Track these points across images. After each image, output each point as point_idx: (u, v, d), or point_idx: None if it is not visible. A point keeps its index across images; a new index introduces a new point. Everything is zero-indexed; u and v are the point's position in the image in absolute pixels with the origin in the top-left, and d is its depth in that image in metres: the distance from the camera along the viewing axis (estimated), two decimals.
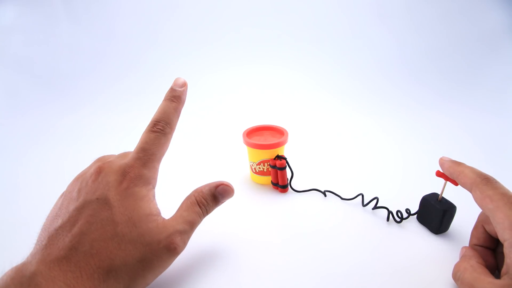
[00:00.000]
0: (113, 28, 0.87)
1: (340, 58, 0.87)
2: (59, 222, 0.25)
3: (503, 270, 0.25)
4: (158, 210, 0.28)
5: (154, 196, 0.29)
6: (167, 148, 0.31)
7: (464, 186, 0.29)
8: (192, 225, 0.29)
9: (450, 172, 0.31)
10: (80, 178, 0.29)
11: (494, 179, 0.27)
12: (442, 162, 0.32)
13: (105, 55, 0.86)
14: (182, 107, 0.33)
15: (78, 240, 0.24)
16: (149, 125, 0.31)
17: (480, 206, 0.27)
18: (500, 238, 0.25)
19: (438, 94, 0.76)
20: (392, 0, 0.86)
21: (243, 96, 0.79)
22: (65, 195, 0.28)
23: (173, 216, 0.29)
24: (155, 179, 0.30)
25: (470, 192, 0.28)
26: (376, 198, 0.39)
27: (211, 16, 0.89)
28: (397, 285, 0.29)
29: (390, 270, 0.31)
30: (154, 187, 0.29)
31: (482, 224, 0.30)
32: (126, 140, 0.61)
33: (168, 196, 0.36)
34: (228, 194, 0.31)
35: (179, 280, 0.30)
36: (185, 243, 0.28)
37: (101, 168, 0.28)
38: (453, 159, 0.32)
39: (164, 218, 0.28)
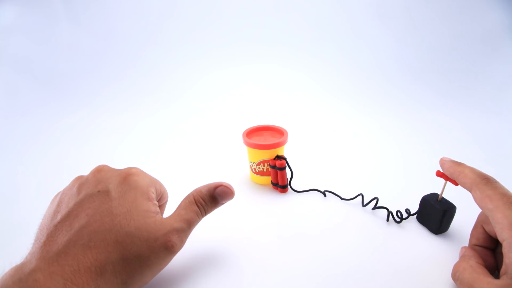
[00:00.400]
0: (113, 28, 0.87)
1: (340, 58, 0.87)
2: (58, 218, 0.25)
3: (502, 270, 0.25)
4: (158, 210, 0.28)
5: (154, 198, 0.29)
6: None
7: (464, 186, 0.29)
8: (190, 224, 0.28)
9: (450, 172, 0.31)
10: (79, 178, 0.29)
11: (494, 179, 0.28)
12: (442, 162, 0.32)
13: (104, 55, 0.86)
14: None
15: (77, 233, 0.24)
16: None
17: (480, 206, 0.27)
18: (499, 238, 0.25)
19: (438, 94, 0.76)
20: (392, 0, 0.86)
21: (243, 96, 0.79)
22: (63, 193, 0.28)
23: (171, 214, 0.29)
24: (156, 190, 0.30)
25: (470, 192, 0.28)
26: (376, 198, 0.39)
27: (211, 16, 0.89)
28: (397, 285, 0.29)
29: (390, 270, 0.31)
30: (154, 193, 0.30)
31: (482, 224, 0.30)
32: (125, 140, 0.61)
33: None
34: (227, 196, 0.31)
35: (178, 280, 0.30)
36: (182, 242, 0.28)
37: (101, 167, 0.29)
38: (454, 159, 0.32)
39: (162, 217, 0.28)
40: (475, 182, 0.28)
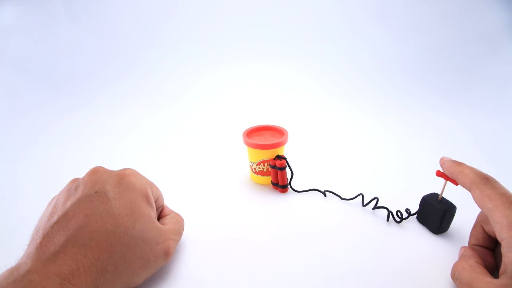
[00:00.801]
0: (113, 28, 0.87)
1: (340, 57, 0.87)
2: (55, 218, 0.25)
3: (501, 269, 0.25)
4: (155, 214, 0.30)
5: (152, 201, 0.30)
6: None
7: (463, 185, 0.29)
8: (180, 238, 0.32)
9: (450, 172, 0.31)
10: (75, 180, 0.30)
11: (493, 179, 0.28)
12: (442, 162, 0.32)
13: (104, 55, 0.86)
14: None
15: (76, 233, 0.24)
16: None
17: (479, 205, 0.27)
18: (498, 238, 0.25)
19: (438, 94, 0.76)
20: (393, 0, 0.86)
21: (243, 96, 0.79)
22: (60, 195, 0.28)
23: (165, 225, 0.30)
24: (152, 192, 0.31)
25: (470, 191, 0.28)
26: (376, 198, 0.39)
27: (211, 16, 0.89)
28: (397, 285, 0.29)
29: (390, 270, 0.31)
30: (151, 195, 0.30)
31: (481, 224, 0.30)
32: (125, 140, 0.61)
33: (168, 195, 0.36)
34: None
35: (178, 279, 0.30)
36: (174, 250, 0.30)
37: (97, 168, 0.30)
38: (454, 159, 0.32)
39: (160, 224, 0.29)
40: (475, 182, 0.28)
